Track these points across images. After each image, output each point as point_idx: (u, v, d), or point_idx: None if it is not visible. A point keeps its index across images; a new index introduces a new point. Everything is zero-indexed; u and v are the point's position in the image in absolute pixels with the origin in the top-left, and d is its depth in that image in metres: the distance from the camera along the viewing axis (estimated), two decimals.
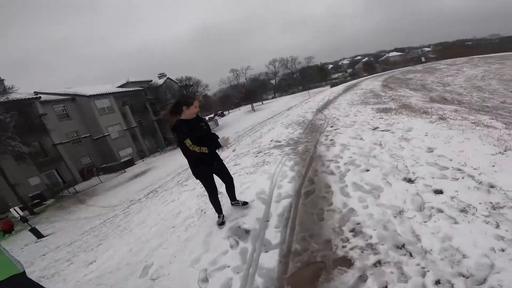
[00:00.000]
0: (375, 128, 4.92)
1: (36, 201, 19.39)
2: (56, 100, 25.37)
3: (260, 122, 20.86)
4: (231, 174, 2.94)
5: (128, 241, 3.89)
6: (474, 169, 2.63)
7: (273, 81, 78.96)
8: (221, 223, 2.86)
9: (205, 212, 3.37)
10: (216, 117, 57.74)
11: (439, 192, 2.39)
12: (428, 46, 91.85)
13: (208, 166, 2.68)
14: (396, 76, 23.63)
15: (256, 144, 6.39)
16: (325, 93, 19.38)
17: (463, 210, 2.07)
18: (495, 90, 18.47)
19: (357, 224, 2.22)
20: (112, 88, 29.48)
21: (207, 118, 60.07)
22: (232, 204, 3.12)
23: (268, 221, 2.65)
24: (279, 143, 5.61)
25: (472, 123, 4.34)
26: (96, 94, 25.66)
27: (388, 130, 4.58)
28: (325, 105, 10.77)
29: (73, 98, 26.23)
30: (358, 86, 17.55)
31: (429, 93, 13.69)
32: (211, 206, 2.99)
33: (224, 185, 2.95)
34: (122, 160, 26.08)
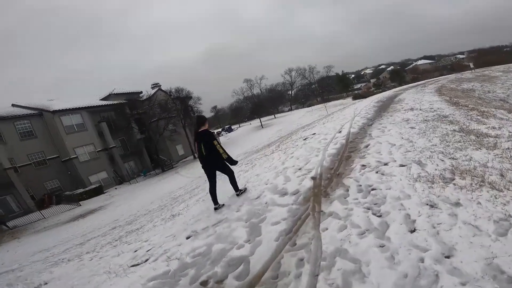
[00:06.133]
0: None
1: None
2: (19, 115, 21.32)
3: (256, 150, 15.02)
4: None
5: None
6: None
7: (290, 92, 72.75)
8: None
9: None
10: (223, 133, 51.04)
11: None
12: (462, 53, 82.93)
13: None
14: (449, 86, 16.78)
15: None
16: (345, 112, 13.08)
17: None
18: None
19: None
20: (89, 101, 25.14)
21: (214, 132, 54.07)
22: (237, 195, 4.11)
23: None
24: None
25: None
26: (61, 110, 21.22)
27: None
28: (342, 164, 4.66)
29: (40, 113, 22.11)
30: (398, 103, 11.18)
31: None
32: None
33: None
34: (89, 188, 21.27)
